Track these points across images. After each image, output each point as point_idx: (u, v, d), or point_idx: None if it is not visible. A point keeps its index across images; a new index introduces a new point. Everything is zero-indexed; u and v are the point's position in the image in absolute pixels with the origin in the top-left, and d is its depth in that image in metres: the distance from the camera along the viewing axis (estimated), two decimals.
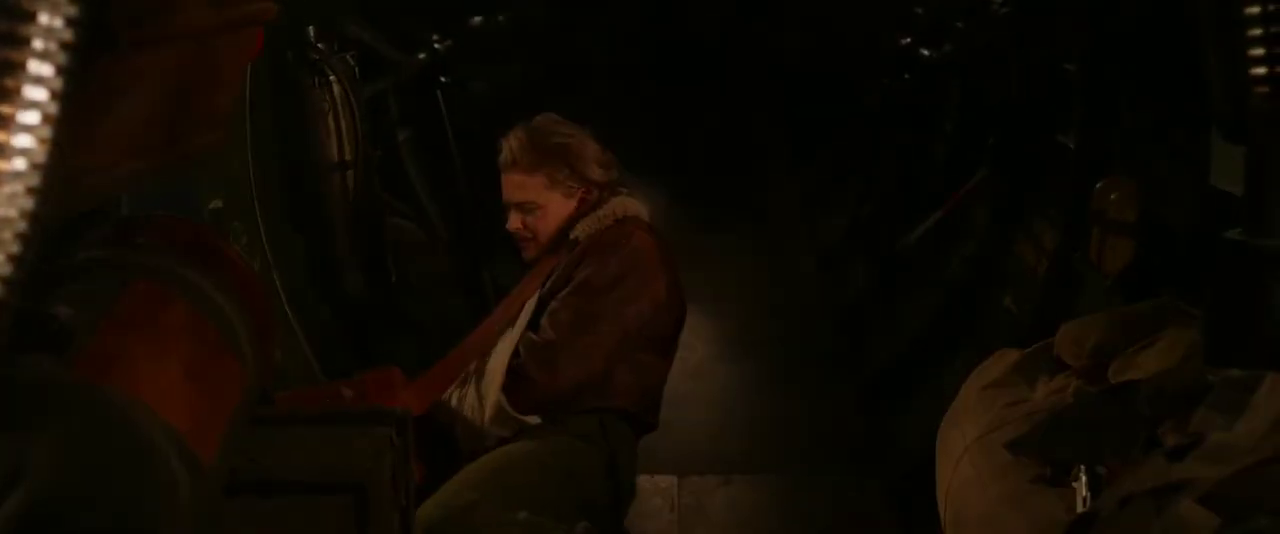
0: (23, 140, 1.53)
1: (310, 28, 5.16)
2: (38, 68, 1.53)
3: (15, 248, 1.52)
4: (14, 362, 2.20)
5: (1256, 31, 2.13)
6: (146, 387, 2.39)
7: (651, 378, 4.60)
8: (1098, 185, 4.29)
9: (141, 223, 2.93)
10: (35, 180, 1.53)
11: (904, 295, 6.96)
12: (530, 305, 4.46)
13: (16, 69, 1.52)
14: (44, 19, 1.53)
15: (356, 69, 5.44)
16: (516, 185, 4.58)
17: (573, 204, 4.55)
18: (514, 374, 4.33)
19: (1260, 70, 2.17)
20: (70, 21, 1.54)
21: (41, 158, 1.54)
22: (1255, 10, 2.12)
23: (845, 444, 6.12)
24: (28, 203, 1.53)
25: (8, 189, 1.51)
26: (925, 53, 7.00)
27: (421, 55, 6.47)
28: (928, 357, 6.07)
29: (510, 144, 4.56)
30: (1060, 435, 3.10)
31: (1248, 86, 2.22)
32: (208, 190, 4.38)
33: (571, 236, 4.52)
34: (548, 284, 4.47)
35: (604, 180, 4.59)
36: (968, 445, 3.43)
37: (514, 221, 4.62)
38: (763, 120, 10.42)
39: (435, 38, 6.67)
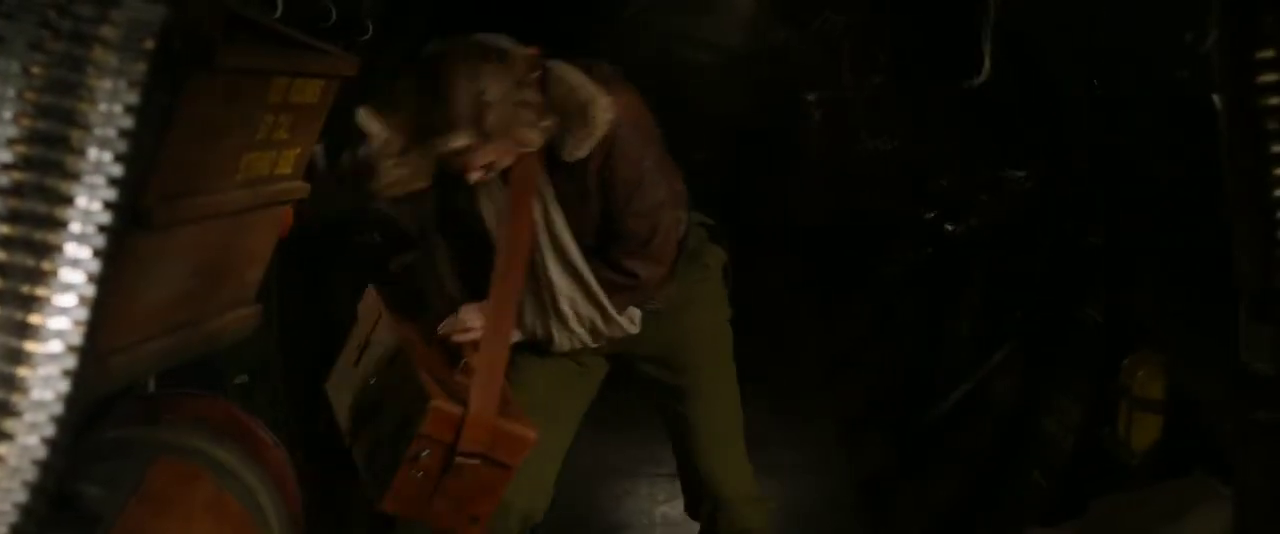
0: (59, 323, 1.53)
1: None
2: (76, 251, 1.54)
3: (50, 431, 1.52)
4: None
5: None
6: None
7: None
8: (1125, 361, 4.28)
9: (169, 401, 2.94)
10: (71, 363, 1.54)
11: (930, 469, 6.91)
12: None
13: (54, 252, 1.53)
14: (82, 202, 1.54)
15: (380, 243, 5.46)
16: None
17: None
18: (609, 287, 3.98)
19: None
20: (108, 205, 1.55)
21: (77, 340, 1.54)
22: None
23: None
24: (63, 385, 1.53)
25: (44, 371, 1.52)
26: (950, 228, 7.02)
27: None
28: (956, 532, 6.01)
29: None
30: None
31: (1277, 267, 2.22)
32: (235, 365, 4.38)
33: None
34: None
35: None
36: None
37: None
38: (781, 283, 10.38)
39: None
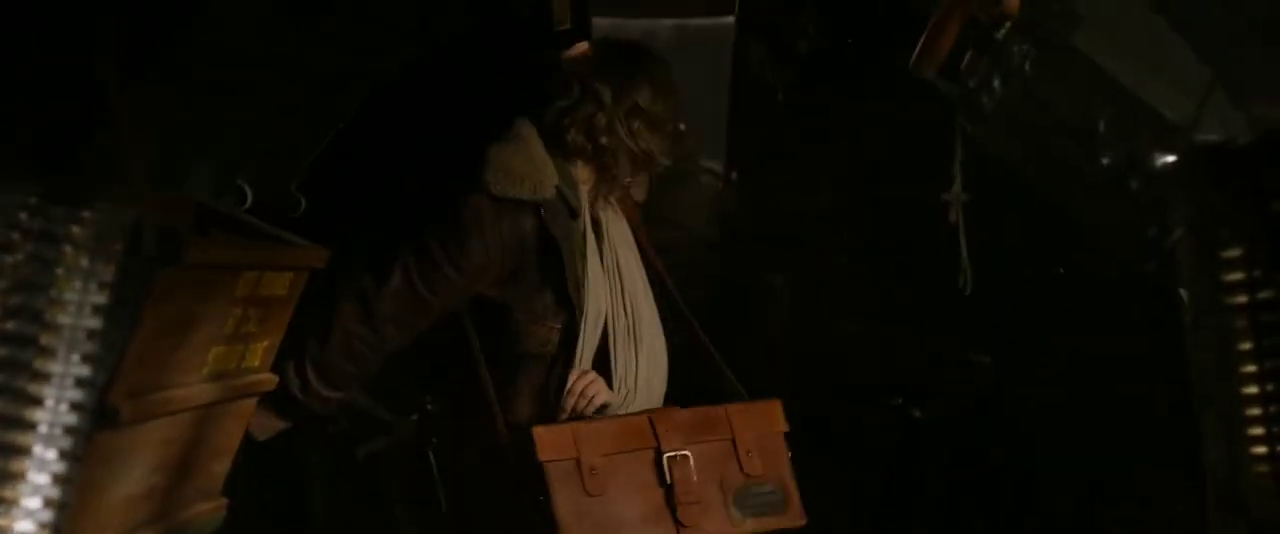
0: (25, 526, 1.52)
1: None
2: (43, 452, 1.53)
3: None
4: None
5: (1255, 411, 2.16)
6: None
7: None
8: None
9: None
10: None
11: None
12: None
13: (22, 454, 1.52)
14: (51, 403, 1.53)
15: (348, 430, 5.44)
16: None
17: None
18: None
19: (1260, 449, 2.20)
20: (76, 406, 1.55)
21: None
22: (1253, 390, 2.15)
23: None
24: None
25: None
26: (917, 414, 7.01)
27: (413, 416, 6.47)
28: None
29: None
30: None
31: (1247, 464, 2.23)
32: None
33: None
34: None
35: None
36: None
37: None
38: None
39: (428, 399, 6.68)
